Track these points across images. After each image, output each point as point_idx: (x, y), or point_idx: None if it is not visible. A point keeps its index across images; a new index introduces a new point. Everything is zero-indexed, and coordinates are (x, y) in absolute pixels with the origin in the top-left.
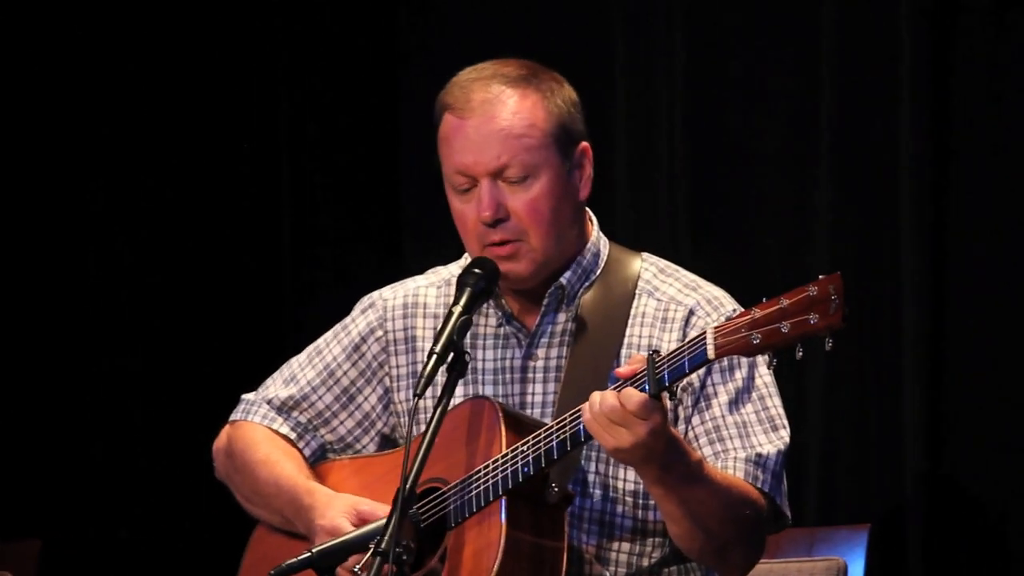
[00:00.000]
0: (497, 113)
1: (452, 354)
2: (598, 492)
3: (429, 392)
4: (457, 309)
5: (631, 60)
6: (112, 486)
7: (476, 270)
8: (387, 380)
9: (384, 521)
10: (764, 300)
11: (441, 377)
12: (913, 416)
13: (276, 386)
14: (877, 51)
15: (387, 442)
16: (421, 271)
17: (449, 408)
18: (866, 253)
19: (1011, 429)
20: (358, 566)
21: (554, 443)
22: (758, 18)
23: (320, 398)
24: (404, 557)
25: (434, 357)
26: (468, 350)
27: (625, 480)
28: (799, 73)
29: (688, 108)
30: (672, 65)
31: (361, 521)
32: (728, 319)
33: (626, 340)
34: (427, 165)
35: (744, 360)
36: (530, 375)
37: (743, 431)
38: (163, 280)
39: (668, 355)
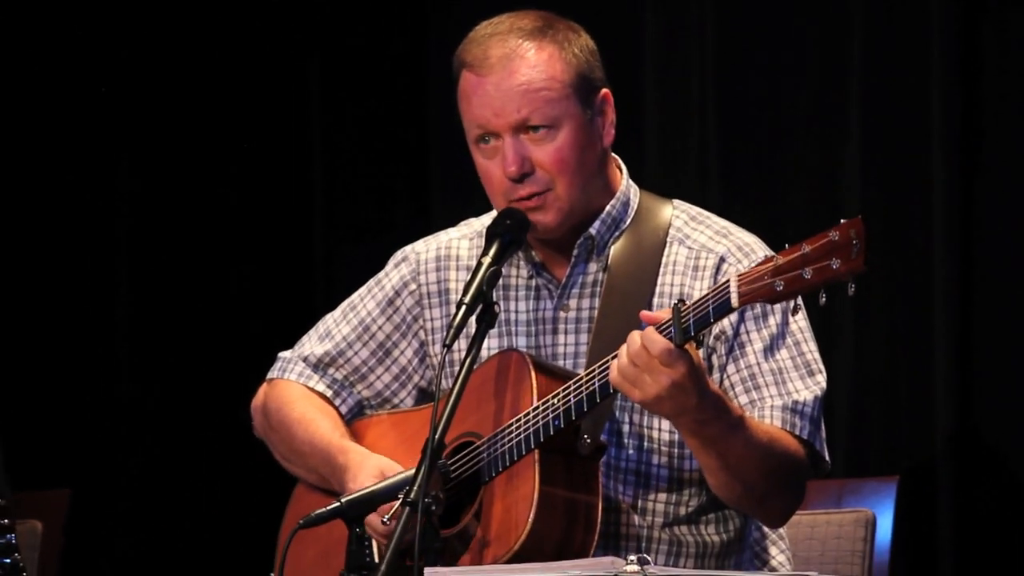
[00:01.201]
0: (516, 68)
1: (481, 305)
2: (633, 443)
3: (464, 344)
4: (486, 260)
5: (661, 10)
6: (142, 438)
7: (507, 221)
8: (422, 333)
9: (413, 471)
10: (787, 247)
11: (472, 329)
12: (943, 368)
13: (312, 343)
14: (908, 4)
15: (424, 396)
16: (451, 226)
17: (479, 360)
18: (896, 206)
19: None
20: (387, 516)
21: (584, 395)
22: None
23: (356, 353)
24: (433, 507)
25: (463, 308)
26: (500, 302)
27: (660, 430)
28: (830, 25)
29: (718, 58)
30: (703, 16)
31: None
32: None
33: (657, 289)
34: (455, 120)
35: (778, 306)
36: (561, 326)
37: (779, 378)
38: (195, 241)
39: (693, 304)
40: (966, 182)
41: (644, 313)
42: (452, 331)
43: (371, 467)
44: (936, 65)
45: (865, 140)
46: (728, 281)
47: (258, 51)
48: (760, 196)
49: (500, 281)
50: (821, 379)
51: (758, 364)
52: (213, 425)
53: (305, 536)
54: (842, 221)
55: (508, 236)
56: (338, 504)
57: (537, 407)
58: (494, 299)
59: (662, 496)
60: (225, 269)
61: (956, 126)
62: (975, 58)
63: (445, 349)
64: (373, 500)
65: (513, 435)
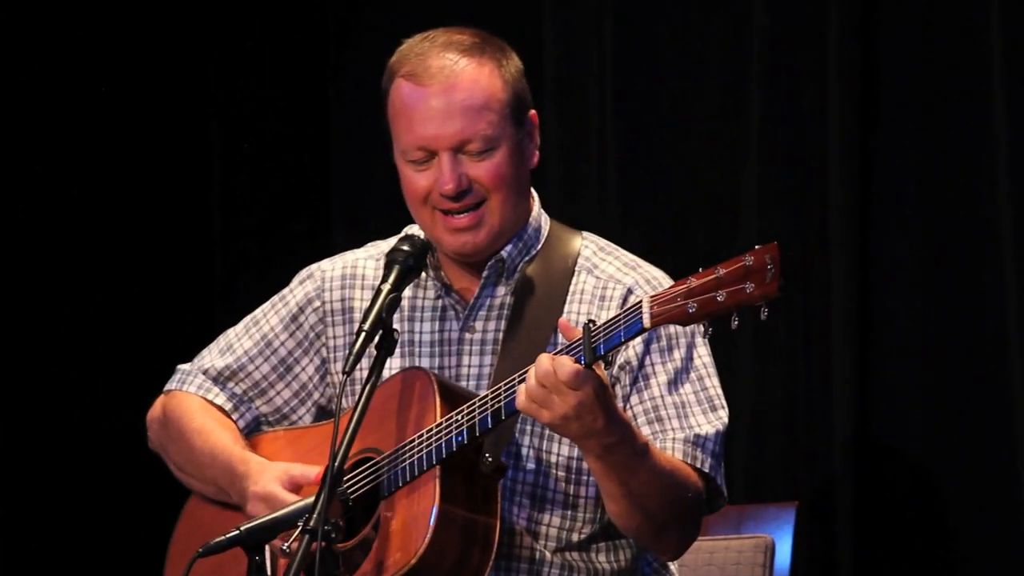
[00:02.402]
0: (457, 83)
1: (380, 331)
2: (531, 465)
3: (365, 365)
4: (386, 287)
5: (560, 36)
6: (46, 461)
7: (404, 247)
8: (324, 351)
9: (312, 499)
10: (700, 270)
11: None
12: (842, 394)
13: (212, 356)
14: (806, 24)
15: (323, 413)
16: (351, 247)
17: (381, 381)
18: (794, 233)
19: (941, 408)
20: (286, 544)
21: (488, 412)
22: None
23: (257, 368)
24: (332, 535)
25: (363, 335)
26: (405, 322)
27: (559, 454)
28: (729, 48)
29: (617, 84)
30: (601, 39)
31: (294, 486)
32: None
33: (564, 316)
34: (357, 142)
35: (683, 340)
36: (466, 347)
37: (681, 411)
38: (94, 254)
39: (604, 324)
40: (863, 208)
41: (562, 321)
42: (352, 358)
43: (274, 470)
44: (834, 87)
45: (764, 165)
46: (641, 302)
47: (158, 65)
48: (659, 227)
49: (406, 302)
50: (723, 415)
51: (662, 397)
52: (115, 444)
53: (195, 549)
54: (757, 247)
55: (408, 263)
56: (237, 532)
57: (440, 423)
58: (398, 320)
59: (556, 520)
60: (124, 285)
61: (855, 149)
62: (872, 81)
63: (345, 376)
64: (273, 528)
65: (415, 450)
